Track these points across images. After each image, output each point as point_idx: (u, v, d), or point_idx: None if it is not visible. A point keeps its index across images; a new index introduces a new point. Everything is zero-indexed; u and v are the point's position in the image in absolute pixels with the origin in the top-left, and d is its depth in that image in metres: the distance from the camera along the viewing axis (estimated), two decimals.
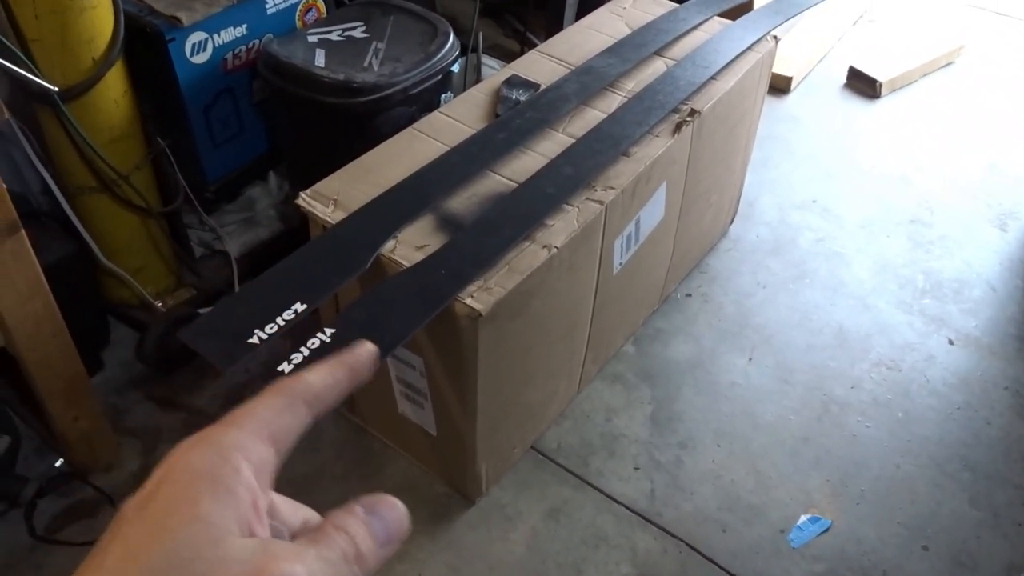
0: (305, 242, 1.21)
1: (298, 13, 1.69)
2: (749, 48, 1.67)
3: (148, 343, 1.58)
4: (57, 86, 1.31)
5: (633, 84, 1.56)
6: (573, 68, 1.59)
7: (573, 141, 1.40)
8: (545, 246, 1.23)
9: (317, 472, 1.49)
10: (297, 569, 0.28)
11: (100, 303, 1.65)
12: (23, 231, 1.16)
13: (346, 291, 1.23)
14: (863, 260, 2.00)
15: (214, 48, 1.55)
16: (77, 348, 1.33)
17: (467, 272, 1.15)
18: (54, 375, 1.32)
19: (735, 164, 1.87)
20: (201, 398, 1.61)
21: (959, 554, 1.43)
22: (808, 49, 2.68)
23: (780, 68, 2.50)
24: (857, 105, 2.55)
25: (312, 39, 1.63)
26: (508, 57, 1.96)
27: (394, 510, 0.33)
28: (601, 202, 1.31)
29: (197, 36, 1.51)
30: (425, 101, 1.63)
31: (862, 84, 2.59)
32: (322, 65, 1.56)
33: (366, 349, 0.38)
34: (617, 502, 1.48)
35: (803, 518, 1.47)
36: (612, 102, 1.51)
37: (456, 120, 1.46)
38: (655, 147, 1.42)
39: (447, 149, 1.37)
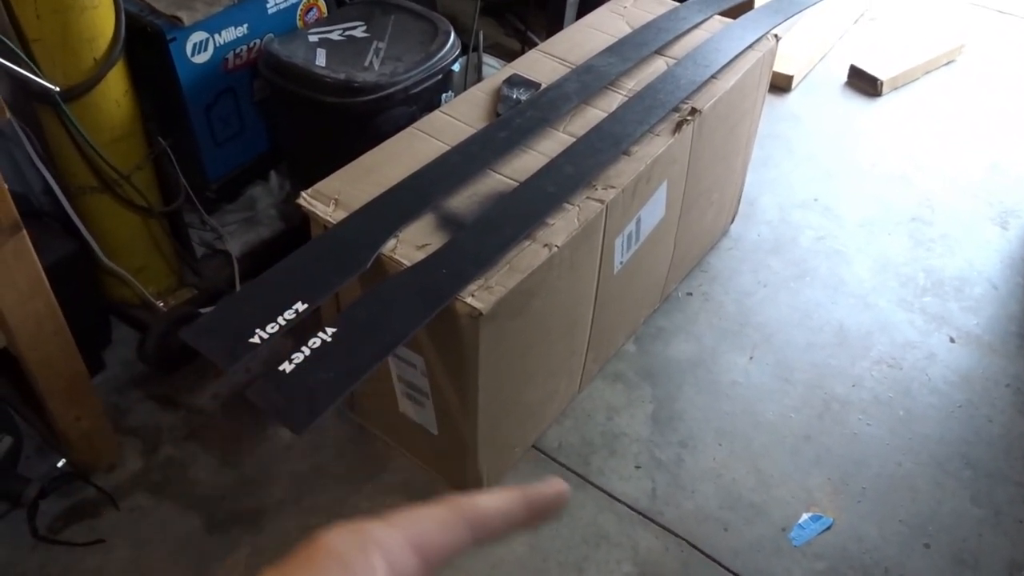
0: (306, 241, 1.21)
1: (299, 13, 1.69)
2: (750, 47, 1.67)
3: (149, 342, 1.58)
4: (58, 86, 1.31)
5: (634, 83, 1.56)
6: (574, 67, 1.59)
7: (574, 140, 1.40)
8: (546, 245, 1.23)
9: (318, 471, 1.50)
10: None
11: (101, 303, 1.65)
12: (24, 231, 1.17)
13: (347, 290, 1.23)
14: (864, 259, 2.00)
15: (215, 48, 1.56)
16: (78, 348, 1.34)
17: (468, 271, 1.15)
18: (55, 375, 1.32)
19: (736, 163, 1.87)
20: (202, 397, 1.61)
21: (960, 552, 1.43)
22: (809, 48, 2.68)
23: (781, 67, 2.50)
24: (858, 104, 2.55)
25: (313, 39, 1.63)
26: (509, 56, 1.96)
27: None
28: (602, 201, 1.31)
29: (198, 36, 1.51)
30: (426, 100, 1.63)
31: (863, 83, 2.59)
32: (323, 64, 1.56)
33: (555, 490, 0.37)
34: (618, 501, 1.48)
35: (804, 516, 1.47)
36: (613, 101, 1.51)
37: (457, 119, 1.46)
38: (656, 146, 1.42)
39: (448, 148, 1.37)
